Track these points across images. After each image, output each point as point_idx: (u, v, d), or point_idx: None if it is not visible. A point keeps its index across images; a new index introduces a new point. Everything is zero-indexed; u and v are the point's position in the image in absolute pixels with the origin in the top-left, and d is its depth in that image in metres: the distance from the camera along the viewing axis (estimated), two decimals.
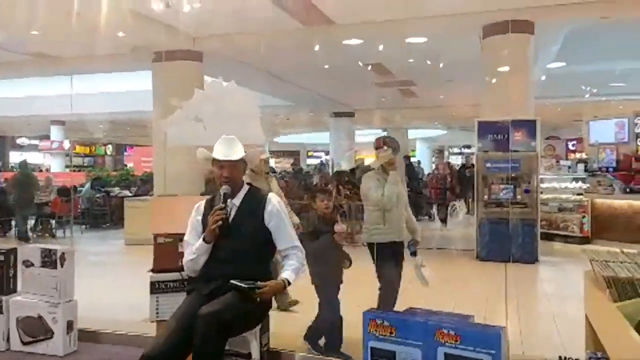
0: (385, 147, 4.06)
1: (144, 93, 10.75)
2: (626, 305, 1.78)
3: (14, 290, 3.98)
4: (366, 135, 24.27)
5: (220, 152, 2.92)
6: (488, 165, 7.60)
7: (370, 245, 4.06)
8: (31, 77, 12.93)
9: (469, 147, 8.21)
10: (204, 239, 2.82)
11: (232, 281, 2.66)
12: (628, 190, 8.58)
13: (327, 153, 29.04)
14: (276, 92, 13.75)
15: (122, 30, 7.98)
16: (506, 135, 7.51)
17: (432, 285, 4.74)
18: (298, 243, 2.97)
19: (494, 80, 7.97)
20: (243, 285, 2.65)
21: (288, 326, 3.89)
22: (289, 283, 2.82)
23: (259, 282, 2.68)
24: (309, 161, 32.02)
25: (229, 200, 2.88)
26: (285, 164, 28.24)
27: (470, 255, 7.62)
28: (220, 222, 2.76)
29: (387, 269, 4.03)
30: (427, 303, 3.61)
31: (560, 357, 2.94)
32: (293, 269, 2.86)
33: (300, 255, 2.94)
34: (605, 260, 2.20)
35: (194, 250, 2.87)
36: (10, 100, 14.89)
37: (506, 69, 7.72)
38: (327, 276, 3.83)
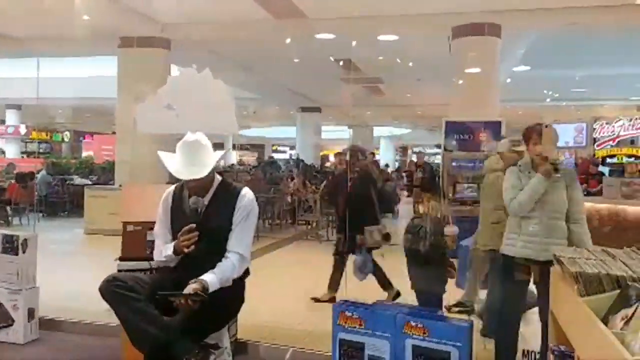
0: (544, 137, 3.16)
1: (106, 79, 10.47)
2: (593, 300, 1.85)
3: None
4: (333, 132, 24.45)
5: (182, 169, 2.67)
6: (454, 164, 7.76)
7: (499, 257, 3.38)
8: None
9: (439, 146, 8.29)
10: (174, 251, 2.70)
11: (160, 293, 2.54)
12: (585, 193, 8.92)
13: (292, 148, 29.04)
14: (244, 85, 13.64)
15: (87, 14, 7.71)
16: (471, 136, 7.68)
17: (398, 280, 4.82)
18: (245, 253, 2.73)
19: (461, 81, 8.15)
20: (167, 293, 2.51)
21: (254, 317, 3.86)
22: (206, 293, 2.49)
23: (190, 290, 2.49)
24: (275, 155, 31.88)
25: (197, 198, 2.75)
26: (250, 158, 28.04)
27: None
28: (192, 247, 2.62)
29: (508, 291, 3.23)
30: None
31: (523, 351, 3.04)
32: (220, 278, 2.59)
33: (235, 265, 2.67)
34: (571, 257, 2.28)
35: (164, 255, 2.77)
36: None
37: (474, 70, 7.90)
38: (432, 282, 3.39)
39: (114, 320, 3.70)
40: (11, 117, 18.42)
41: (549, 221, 3.16)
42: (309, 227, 10.48)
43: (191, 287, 2.48)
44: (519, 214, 3.21)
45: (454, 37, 8.17)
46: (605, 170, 11.59)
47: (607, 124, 14.31)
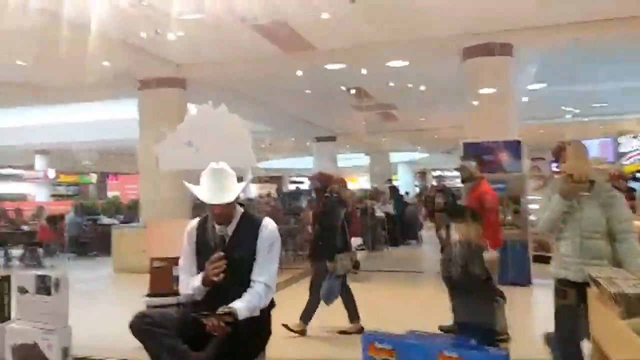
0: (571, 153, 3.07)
1: (128, 121, 10.76)
2: (637, 322, 1.77)
3: (8, 318, 3.87)
4: (350, 160, 24.49)
5: (210, 194, 2.73)
6: None
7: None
8: (15, 107, 12.82)
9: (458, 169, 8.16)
10: (202, 282, 2.72)
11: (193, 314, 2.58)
12: None
13: (310, 178, 29.16)
14: (259, 118, 13.84)
15: (107, 60, 7.99)
16: (491, 156, 7.58)
17: (427, 308, 4.74)
18: (270, 283, 2.75)
19: (475, 102, 8.13)
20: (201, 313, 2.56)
21: (282, 351, 3.81)
22: (236, 319, 2.52)
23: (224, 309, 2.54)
24: (291, 187, 32.01)
25: (224, 227, 2.80)
26: (269, 190, 28.17)
27: None
28: (222, 276, 2.65)
29: (558, 313, 3.08)
30: (424, 326, 3.58)
31: None
32: (248, 307, 2.61)
33: (262, 295, 2.70)
34: (609, 277, 2.20)
35: (191, 287, 2.79)
36: None
37: (487, 90, 7.89)
38: (477, 314, 3.17)
39: (144, 357, 3.72)
40: (40, 162, 18.97)
41: (582, 240, 3.02)
42: None
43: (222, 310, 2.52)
44: (546, 234, 3.17)
45: (465, 58, 8.20)
46: (636, 185, 11.29)
47: (633, 137, 14.00)
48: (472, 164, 4.90)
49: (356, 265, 5.00)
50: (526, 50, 8.27)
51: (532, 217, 7.64)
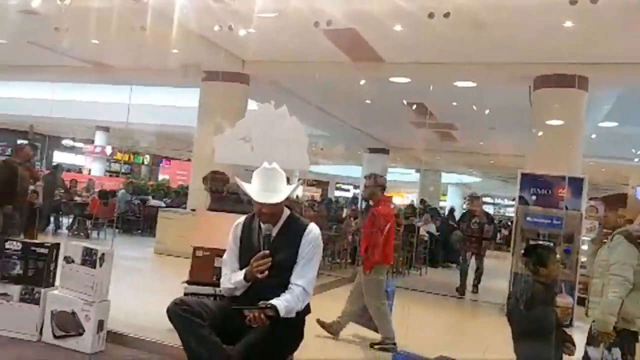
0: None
1: (187, 109, 11.05)
2: None
3: (52, 284, 4.07)
4: (399, 174, 24.18)
5: (260, 193, 2.75)
6: (528, 219, 7.38)
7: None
8: (87, 83, 13.43)
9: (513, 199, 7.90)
10: (245, 277, 2.74)
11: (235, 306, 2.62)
12: None
13: (356, 187, 29.06)
14: (315, 122, 13.89)
15: (177, 48, 8.20)
16: (550, 191, 7.27)
17: (461, 336, 4.59)
18: (308, 288, 2.73)
19: (541, 133, 7.83)
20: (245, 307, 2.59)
21: (311, 356, 3.76)
22: (277, 314, 2.53)
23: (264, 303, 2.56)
24: (337, 193, 31.98)
25: (269, 226, 2.79)
26: (314, 193, 28.21)
27: (499, 310, 7.33)
28: (266, 273, 2.67)
29: None
30: (457, 354, 3.46)
31: None
32: (286, 306, 2.59)
33: (299, 298, 2.68)
34: None
35: (233, 281, 2.81)
36: (59, 103, 15.43)
37: (555, 122, 7.60)
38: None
39: (175, 341, 3.77)
40: (100, 138, 19.74)
41: (593, 280, 3.48)
42: None
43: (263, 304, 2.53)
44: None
45: (535, 87, 7.93)
46: None
47: None
48: (373, 183, 4.85)
49: None
50: (602, 86, 7.92)
51: (583, 258, 7.28)
